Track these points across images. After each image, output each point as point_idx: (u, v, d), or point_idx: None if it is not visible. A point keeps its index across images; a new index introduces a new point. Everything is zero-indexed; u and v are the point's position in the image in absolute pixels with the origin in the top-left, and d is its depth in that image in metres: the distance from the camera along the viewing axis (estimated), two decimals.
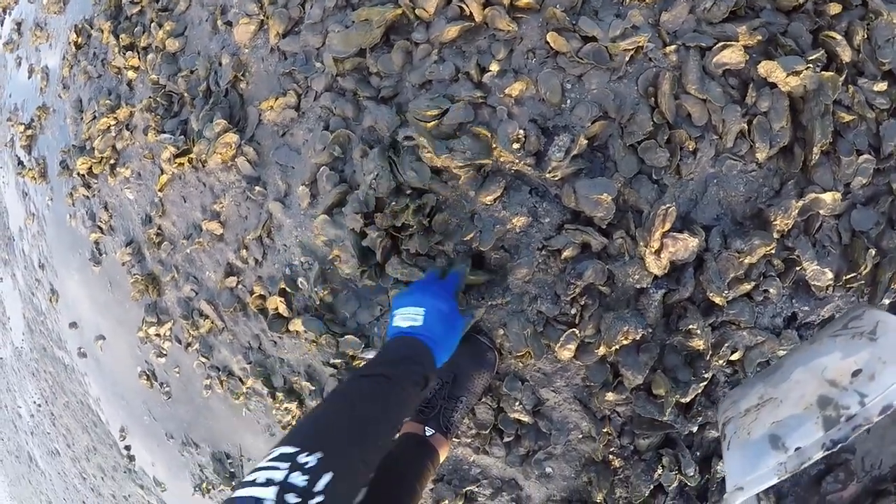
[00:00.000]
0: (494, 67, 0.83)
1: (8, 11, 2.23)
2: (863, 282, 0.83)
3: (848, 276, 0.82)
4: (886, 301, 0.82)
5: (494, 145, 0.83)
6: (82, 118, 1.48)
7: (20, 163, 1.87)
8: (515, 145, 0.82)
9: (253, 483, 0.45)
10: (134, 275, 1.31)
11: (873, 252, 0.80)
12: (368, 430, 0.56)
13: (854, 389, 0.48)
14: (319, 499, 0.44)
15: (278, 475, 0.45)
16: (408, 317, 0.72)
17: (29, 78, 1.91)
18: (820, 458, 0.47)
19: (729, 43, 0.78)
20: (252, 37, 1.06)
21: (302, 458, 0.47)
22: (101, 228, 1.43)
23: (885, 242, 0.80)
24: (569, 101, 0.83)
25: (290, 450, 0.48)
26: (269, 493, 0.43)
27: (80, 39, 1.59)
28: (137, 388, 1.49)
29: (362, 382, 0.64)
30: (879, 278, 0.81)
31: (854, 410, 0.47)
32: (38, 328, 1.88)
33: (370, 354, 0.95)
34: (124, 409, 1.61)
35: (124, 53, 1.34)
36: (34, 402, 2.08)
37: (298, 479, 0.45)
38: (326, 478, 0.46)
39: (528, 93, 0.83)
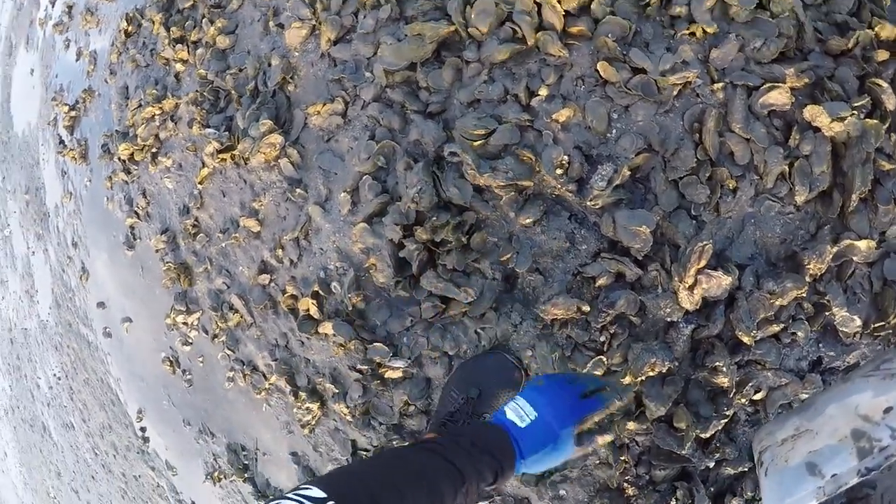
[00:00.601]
0: (543, 92, 0.84)
1: None
2: (890, 331, 0.83)
3: (876, 325, 0.82)
4: None
5: (538, 169, 0.84)
6: (127, 105, 1.52)
7: (61, 142, 1.92)
8: (559, 170, 0.82)
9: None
10: (167, 263, 1.33)
11: None
12: (407, 498, 0.52)
13: (885, 424, 0.53)
14: None
15: None
16: (518, 411, 0.67)
17: (76, 60, 1.95)
18: (855, 482, 0.52)
19: (776, 84, 0.79)
20: (303, 41, 1.07)
21: None
22: (137, 214, 1.46)
23: None
24: (614, 131, 0.83)
25: (319, 494, 0.46)
26: None
27: (130, 28, 1.62)
28: (159, 372, 1.52)
29: (432, 461, 0.57)
30: None
31: (886, 442, 0.52)
32: (66, 304, 1.92)
33: (398, 363, 0.96)
34: (144, 391, 1.64)
35: (174, 46, 1.37)
36: (54, 375, 2.12)
37: None
38: None
39: (574, 119, 0.83)
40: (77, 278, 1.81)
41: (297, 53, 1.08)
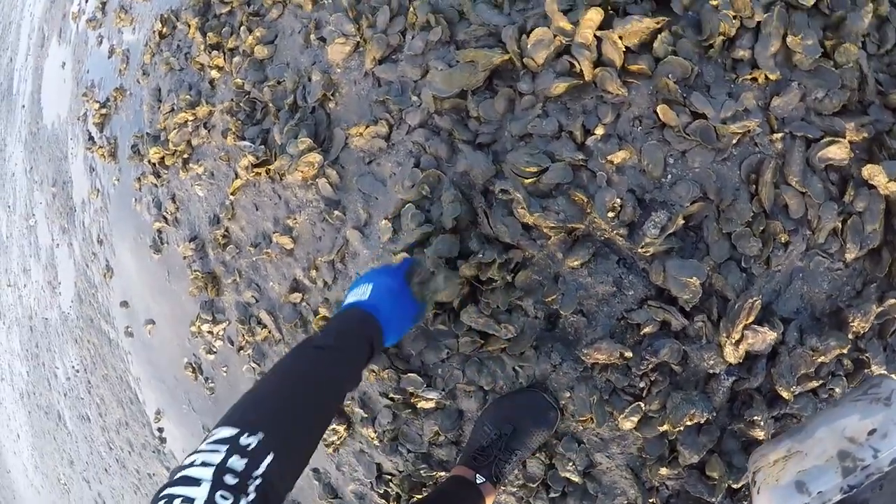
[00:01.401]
0: (599, 131, 0.80)
1: None
2: None
3: None
4: None
5: (589, 210, 0.79)
6: (160, 108, 1.47)
7: (91, 138, 1.88)
8: (610, 214, 0.78)
9: (191, 465, 0.43)
10: (194, 270, 1.29)
11: None
12: (311, 405, 0.54)
13: (869, 445, 0.56)
14: (258, 481, 0.42)
15: (216, 458, 0.43)
16: (357, 294, 0.71)
17: (109, 58, 1.91)
18: (837, 499, 0.55)
19: (836, 139, 0.75)
20: (346, 57, 1.03)
21: (243, 441, 0.45)
22: (165, 219, 1.43)
23: None
24: (669, 177, 0.79)
25: (229, 432, 0.46)
26: (206, 473, 0.41)
27: (164, 30, 1.57)
28: (181, 377, 1.49)
29: (306, 354, 0.61)
30: None
31: (868, 462, 0.55)
32: (89, 300, 1.89)
33: (431, 394, 0.92)
34: (164, 393, 1.61)
35: (209, 52, 1.32)
36: (72, 367, 2.10)
37: (237, 462, 0.43)
38: (267, 459, 0.44)
39: (630, 162, 0.79)
40: (101, 275, 1.78)
41: (339, 70, 1.03)
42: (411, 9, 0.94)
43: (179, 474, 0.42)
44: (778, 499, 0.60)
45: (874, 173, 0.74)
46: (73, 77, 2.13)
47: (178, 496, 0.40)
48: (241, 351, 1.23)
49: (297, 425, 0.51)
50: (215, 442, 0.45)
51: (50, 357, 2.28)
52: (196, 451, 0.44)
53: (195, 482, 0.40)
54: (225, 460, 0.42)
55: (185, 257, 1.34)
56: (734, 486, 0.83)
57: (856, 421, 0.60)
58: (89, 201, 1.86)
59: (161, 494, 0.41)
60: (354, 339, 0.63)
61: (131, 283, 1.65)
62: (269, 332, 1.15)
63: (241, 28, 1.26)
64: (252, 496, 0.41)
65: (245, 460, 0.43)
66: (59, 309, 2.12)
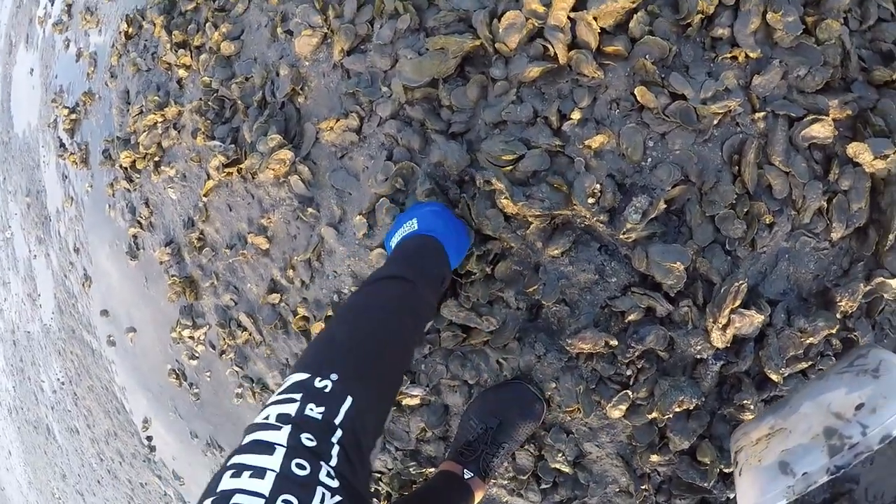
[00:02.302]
0: (576, 115, 0.75)
1: None
2: None
3: None
4: None
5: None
6: (129, 110, 1.39)
7: (62, 145, 1.77)
8: (591, 200, 0.74)
9: (265, 423, 0.37)
10: (172, 276, 1.22)
11: None
12: (389, 342, 0.49)
13: (857, 421, 0.51)
14: (338, 434, 0.37)
15: (291, 408, 0.37)
16: (403, 231, 0.66)
17: (77, 61, 1.81)
18: (824, 481, 0.51)
19: (819, 117, 0.71)
20: (314, 50, 0.96)
21: (317, 384, 0.40)
22: (140, 224, 1.35)
23: None
24: (650, 160, 0.75)
25: (302, 376, 0.41)
26: (281, 436, 0.35)
27: (130, 30, 1.48)
28: (165, 384, 1.42)
29: (377, 287, 0.55)
30: None
31: (856, 440, 0.50)
32: (69, 310, 1.80)
33: (415, 391, 0.87)
34: (150, 401, 1.54)
35: (176, 51, 1.24)
36: (58, 380, 2.01)
37: (314, 411, 0.37)
38: (346, 405, 0.39)
39: (608, 146, 0.75)
40: (79, 284, 1.69)
41: (307, 63, 0.96)
42: None
43: (251, 437, 0.36)
44: (761, 481, 0.55)
45: (859, 151, 0.71)
46: (42, 83, 2.01)
47: (249, 467, 0.33)
48: (224, 355, 1.17)
49: (376, 364, 0.45)
50: (289, 389, 0.40)
51: (35, 371, 2.18)
52: (270, 404, 0.39)
53: (268, 448, 0.34)
54: (301, 410, 0.37)
55: (161, 262, 1.26)
56: (726, 470, 0.81)
57: (842, 395, 0.55)
58: (64, 210, 1.76)
59: (230, 463, 0.35)
60: (423, 262, 0.59)
61: (110, 291, 1.57)
62: (250, 334, 1.09)
63: (207, 24, 1.18)
64: (335, 461, 0.35)
65: (322, 408, 0.37)
66: (41, 321, 2.02)
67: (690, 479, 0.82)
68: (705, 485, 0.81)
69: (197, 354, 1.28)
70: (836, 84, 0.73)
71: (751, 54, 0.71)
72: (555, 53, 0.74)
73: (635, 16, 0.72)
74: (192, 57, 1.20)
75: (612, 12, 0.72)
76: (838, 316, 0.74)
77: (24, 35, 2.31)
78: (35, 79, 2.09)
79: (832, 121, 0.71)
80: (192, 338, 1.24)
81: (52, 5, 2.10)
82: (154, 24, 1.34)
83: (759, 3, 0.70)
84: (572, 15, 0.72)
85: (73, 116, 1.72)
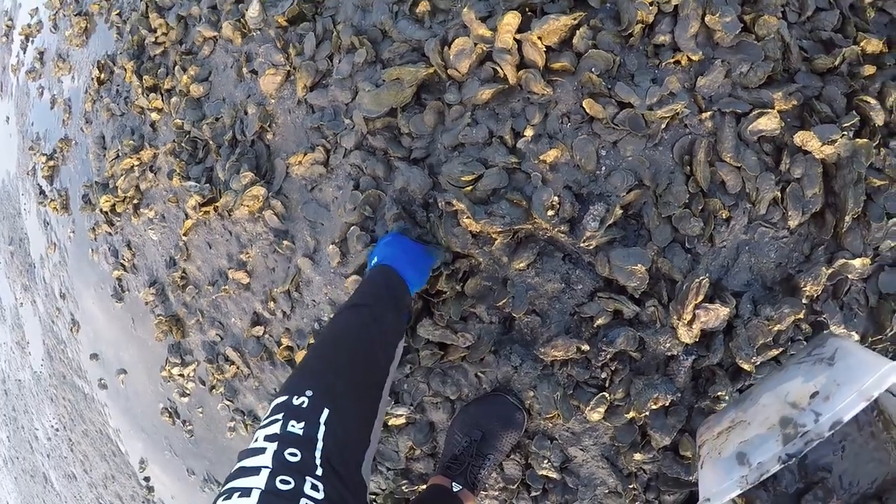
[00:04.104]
0: (529, 132, 0.80)
1: (31, 39, 2.17)
2: (889, 342, 0.80)
3: (874, 338, 0.80)
4: None
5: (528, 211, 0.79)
6: (105, 155, 1.43)
7: (42, 192, 1.81)
8: (550, 212, 0.78)
9: (252, 448, 0.41)
10: (158, 315, 1.25)
11: None
12: (355, 358, 0.53)
13: (811, 409, 0.52)
14: (320, 446, 0.40)
15: (276, 428, 0.42)
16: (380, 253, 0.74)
17: (51, 108, 1.86)
18: (777, 469, 0.52)
19: (765, 110, 0.75)
20: (278, 87, 1.01)
21: (295, 402, 0.44)
22: (123, 266, 1.38)
23: None
24: (604, 168, 0.79)
25: (282, 398, 0.45)
26: (265, 458, 0.39)
27: (102, 75, 1.54)
28: (159, 423, 1.44)
29: (341, 317, 0.62)
30: None
31: (809, 427, 0.50)
32: (59, 356, 1.82)
33: (400, 410, 0.90)
34: (145, 441, 1.56)
35: (147, 94, 1.29)
36: (52, 426, 2.02)
37: (295, 427, 0.41)
38: (323, 416, 0.42)
39: (562, 159, 0.79)
40: (67, 330, 1.71)
41: (273, 101, 1.01)
42: (335, 33, 0.93)
43: (240, 463, 0.40)
44: (719, 472, 0.56)
45: (807, 139, 0.74)
46: (19, 131, 2.06)
47: (237, 489, 0.37)
48: (214, 390, 1.20)
49: (345, 377, 0.49)
50: (272, 411, 0.44)
51: (28, 419, 2.19)
52: (258, 428, 0.43)
53: (255, 470, 0.38)
54: (283, 427, 0.41)
55: (146, 303, 1.30)
56: None
57: (799, 384, 0.56)
58: (48, 256, 1.79)
59: (223, 489, 0.38)
60: (377, 287, 0.65)
61: (98, 335, 1.59)
62: (238, 368, 1.12)
63: (176, 68, 1.23)
64: (320, 472, 0.38)
65: (302, 423, 0.41)
66: (31, 369, 2.04)
67: (675, 473, 0.85)
68: (690, 478, 0.84)
69: (188, 391, 1.30)
70: (779, 77, 0.76)
71: (693, 57, 0.75)
72: (504, 75, 0.79)
73: (578, 31, 0.76)
74: (163, 100, 1.25)
75: (556, 30, 0.76)
76: (804, 301, 0.77)
77: None
78: (11, 127, 2.14)
79: (778, 113, 0.74)
80: (181, 375, 1.27)
81: (24, 53, 2.16)
82: (125, 70, 1.39)
83: (696, 7, 0.74)
84: (518, 36, 0.77)
85: (52, 163, 1.77)
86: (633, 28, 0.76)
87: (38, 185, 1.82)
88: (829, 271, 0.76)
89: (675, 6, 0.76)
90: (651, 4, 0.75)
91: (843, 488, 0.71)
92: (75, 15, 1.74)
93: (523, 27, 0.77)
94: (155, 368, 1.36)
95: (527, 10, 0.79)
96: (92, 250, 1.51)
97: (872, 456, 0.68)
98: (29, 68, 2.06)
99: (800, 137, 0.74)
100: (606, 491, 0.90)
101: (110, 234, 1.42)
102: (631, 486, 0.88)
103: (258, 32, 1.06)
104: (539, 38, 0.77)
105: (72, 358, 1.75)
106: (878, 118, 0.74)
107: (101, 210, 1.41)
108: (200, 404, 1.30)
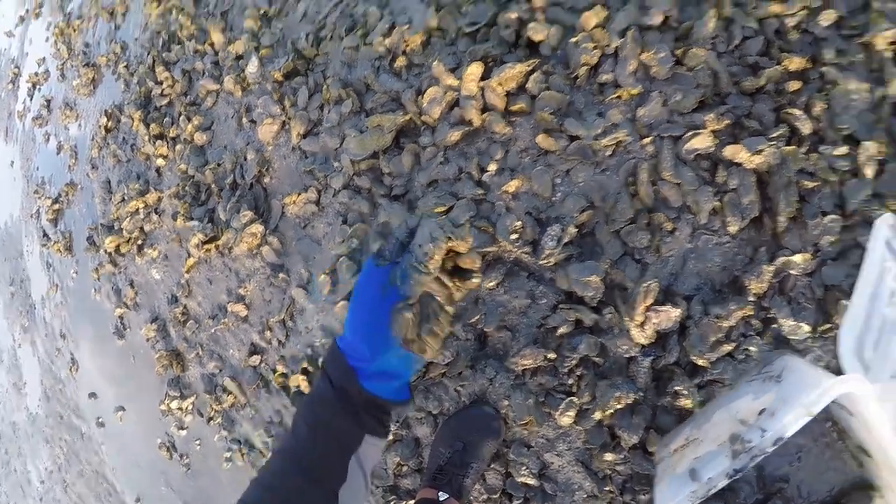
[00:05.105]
0: (492, 167, 0.97)
1: (38, 87, 2.45)
2: (838, 330, 0.87)
3: (823, 327, 0.87)
4: None
5: (495, 236, 0.95)
6: (111, 199, 1.63)
7: (45, 235, 2.00)
8: (514, 236, 0.94)
9: None
10: (158, 350, 1.41)
11: (845, 302, 0.86)
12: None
13: (757, 426, 0.56)
14: None
15: None
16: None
17: (58, 154, 2.08)
18: (724, 484, 0.55)
19: (698, 131, 0.88)
20: (275, 136, 1.21)
21: None
22: (126, 304, 1.55)
23: None
24: (559, 194, 0.96)
25: None
26: None
27: (109, 123, 1.76)
28: (156, 458, 1.55)
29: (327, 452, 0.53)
30: None
31: (755, 443, 0.54)
32: (56, 396, 1.95)
33: None
34: (140, 478, 1.66)
35: (154, 142, 1.50)
36: (45, 469, 2.11)
37: None
38: None
39: (523, 188, 0.96)
40: (67, 370, 1.86)
41: (270, 147, 1.21)
42: (325, 86, 1.14)
43: None
44: (672, 488, 0.61)
45: (736, 152, 0.85)
46: (24, 175, 2.28)
47: None
48: (211, 421, 1.33)
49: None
50: None
51: (21, 462, 2.28)
52: None
53: None
54: None
55: (147, 339, 1.45)
56: None
57: (749, 401, 0.62)
58: (49, 297, 1.96)
59: None
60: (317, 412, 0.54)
61: (98, 373, 1.73)
62: (235, 397, 1.26)
63: (181, 118, 1.45)
64: None
65: None
66: (27, 410, 2.16)
67: (646, 470, 0.94)
68: None
69: (185, 425, 1.43)
70: (710, 100, 0.90)
71: (633, 91, 0.90)
72: (470, 118, 0.98)
73: (532, 77, 0.93)
74: (168, 147, 1.46)
75: (513, 77, 0.94)
76: (752, 298, 0.86)
77: (3, 128, 2.63)
78: (16, 171, 2.37)
79: (711, 132, 0.87)
80: (180, 409, 1.40)
81: (31, 100, 2.43)
82: (132, 119, 1.62)
83: (634, 47, 0.90)
84: (481, 84, 0.95)
85: (56, 206, 1.98)
86: (579, 70, 0.92)
87: (42, 227, 2.02)
88: (772, 269, 0.85)
89: (616, 48, 0.92)
90: (594, 48, 0.92)
91: (802, 497, 0.78)
92: (83, 66, 2.00)
93: (486, 75, 0.95)
94: (153, 404, 1.49)
95: (488, 60, 0.98)
96: (94, 290, 1.68)
97: (829, 465, 0.75)
98: (35, 115, 2.32)
99: (729, 151, 0.86)
100: (585, 496, 1.00)
101: (114, 273, 1.59)
102: (607, 489, 0.98)
103: (257, 86, 1.28)
104: (499, 84, 0.95)
105: (70, 398, 1.88)
106: (805, 127, 0.86)
107: (105, 251, 1.59)
108: (198, 437, 1.42)
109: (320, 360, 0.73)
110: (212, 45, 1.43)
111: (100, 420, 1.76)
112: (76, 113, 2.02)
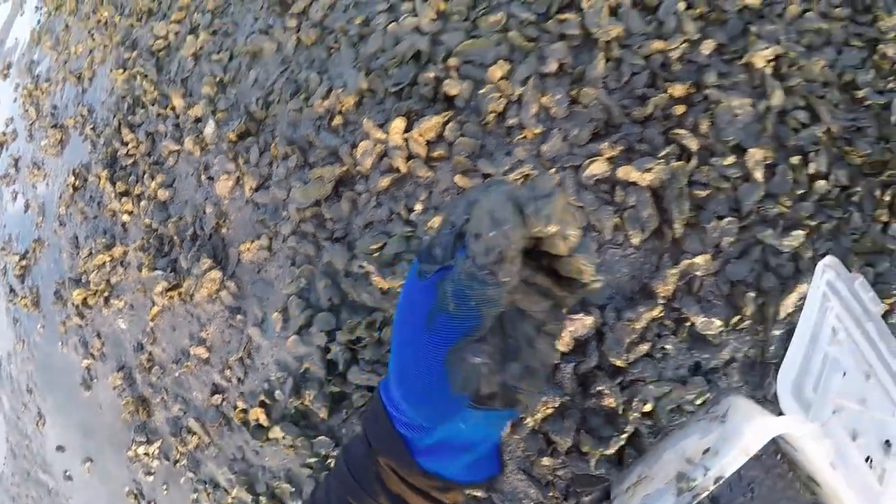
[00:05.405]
0: (419, 207, 1.13)
1: (5, 147, 2.57)
2: (751, 321, 0.96)
3: (735, 320, 0.96)
4: (777, 332, 0.95)
5: None
6: (78, 254, 1.74)
7: (12, 290, 2.08)
8: None
9: None
10: (125, 398, 1.49)
11: (753, 294, 0.95)
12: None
13: (702, 464, 0.59)
14: None
15: None
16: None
17: (25, 212, 2.18)
18: None
19: (595, 158, 1.02)
20: (230, 190, 1.36)
21: None
22: (93, 355, 1.63)
23: (764, 283, 0.96)
24: None
25: None
26: None
27: (77, 182, 1.89)
28: None
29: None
30: (766, 314, 0.97)
31: (698, 481, 0.59)
32: (23, 453, 1.97)
33: (337, 452, 1.13)
34: None
35: (120, 199, 1.64)
36: None
37: None
38: None
39: None
40: (34, 424, 1.89)
41: (226, 201, 1.36)
42: (273, 144, 1.31)
43: None
44: None
45: (627, 172, 0.98)
46: None
47: None
48: (177, 464, 1.40)
49: None
50: None
51: None
52: None
53: None
54: None
55: (114, 388, 1.53)
56: (608, 453, 0.97)
57: (695, 441, 0.63)
58: (15, 352, 2.01)
59: None
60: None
61: (65, 426, 1.78)
62: (200, 437, 1.34)
63: (145, 176, 1.59)
64: None
65: None
66: None
67: (583, 470, 1.03)
68: (599, 473, 1.00)
69: (153, 470, 1.49)
70: (604, 131, 1.03)
71: (535, 131, 1.05)
72: (398, 166, 1.15)
73: (448, 126, 1.09)
74: (133, 203, 1.59)
75: (432, 127, 1.11)
76: (661, 301, 0.96)
77: None
78: None
79: (606, 159, 1.00)
80: (147, 454, 1.47)
81: None
82: (99, 178, 1.75)
83: (535, 93, 1.05)
84: (405, 136, 1.12)
85: (24, 263, 2.07)
86: (489, 117, 1.08)
87: (9, 283, 2.10)
88: (675, 272, 0.95)
89: (519, 95, 1.07)
90: (500, 97, 1.07)
91: None
92: (51, 127, 2.14)
93: (409, 128, 1.11)
94: (121, 452, 1.55)
95: (411, 115, 1.16)
96: (61, 343, 1.76)
97: (782, 495, 0.79)
98: (3, 173, 2.43)
99: (622, 172, 0.99)
100: (532, 503, 1.10)
101: (81, 326, 1.68)
102: (551, 495, 1.08)
103: (214, 146, 1.44)
104: (420, 134, 1.12)
105: (36, 452, 1.90)
106: (692, 144, 0.99)
107: (73, 304, 1.69)
108: (165, 481, 1.48)
109: (360, 413, 0.62)
110: (173, 108, 1.60)
111: (67, 473, 1.78)
112: (44, 172, 2.14)
